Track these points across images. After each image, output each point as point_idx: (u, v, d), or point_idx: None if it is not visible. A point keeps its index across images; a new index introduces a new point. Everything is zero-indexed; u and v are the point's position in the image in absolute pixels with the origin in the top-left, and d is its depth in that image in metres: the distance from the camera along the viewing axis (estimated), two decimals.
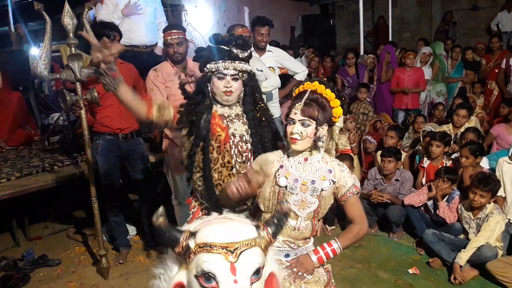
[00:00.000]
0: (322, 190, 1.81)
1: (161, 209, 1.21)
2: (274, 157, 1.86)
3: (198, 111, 2.02)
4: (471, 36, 9.76)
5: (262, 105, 2.15)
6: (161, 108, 2.03)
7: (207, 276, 1.14)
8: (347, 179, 1.84)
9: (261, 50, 4.15)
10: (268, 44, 4.22)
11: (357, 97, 5.63)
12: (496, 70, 6.11)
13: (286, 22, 9.88)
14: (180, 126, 2.05)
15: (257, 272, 1.18)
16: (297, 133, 1.73)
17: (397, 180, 4.03)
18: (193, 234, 1.20)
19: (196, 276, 1.16)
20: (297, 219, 1.84)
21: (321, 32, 9.73)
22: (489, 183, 3.30)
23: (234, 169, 2.06)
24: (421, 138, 4.65)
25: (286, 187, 1.80)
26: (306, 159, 1.82)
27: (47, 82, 6.47)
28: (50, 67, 4.92)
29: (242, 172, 2.00)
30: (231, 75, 2.00)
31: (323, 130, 1.77)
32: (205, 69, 2.03)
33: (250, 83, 2.08)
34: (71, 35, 3.05)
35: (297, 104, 1.75)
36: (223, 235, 1.18)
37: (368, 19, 10.32)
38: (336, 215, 4.02)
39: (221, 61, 1.98)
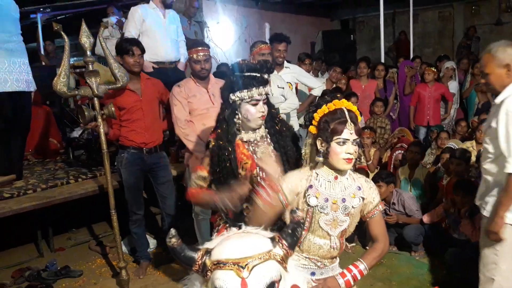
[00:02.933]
0: (352, 207, 1.81)
1: (172, 230, 1.23)
2: (302, 176, 1.83)
3: (223, 147, 2.03)
4: None
5: (280, 117, 2.19)
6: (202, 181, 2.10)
7: None
8: (374, 195, 1.84)
9: (278, 66, 4.21)
10: (285, 61, 4.29)
11: (373, 111, 5.60)
12: None
13: (307, 37, 9.98)
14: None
15: (271, 286, 1.17)
16: (353, 153, 1.73)
17: (393, 203, 3.97)
18: (208, 252, 1.22)
19: None
20: (330, 238, 1.83)
21: (342, 48, 9.76)
22: None
23: None
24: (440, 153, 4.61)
25: (316, 206, 1.79)
26: (336, 178, 1.80)
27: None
28: (76, 81, 5.12)
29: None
30: (263, 100, 2.02)
31: None
32: (234, 97, 2.02)
33: (269, 102, 2.10)
34: (88, 53, 3.18)
35: (347, 124, 1.72)
36: (235, 251, 1.18)
37: (389, 35, 10.30)
38: (355, 233, 3.97)
39: (254, 88, 1.99)
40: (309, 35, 10.08)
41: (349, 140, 1.72)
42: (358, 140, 1.74)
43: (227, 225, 2.13)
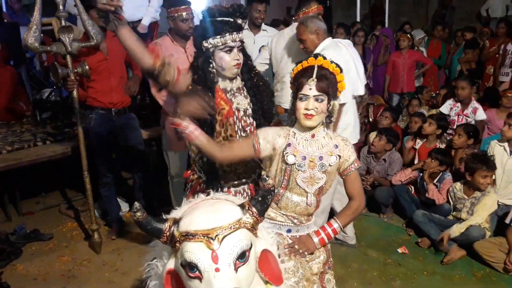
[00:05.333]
0: (329, 165, 1.82)
1: (136, 204, 1.20)
2: (281, 132, 1.83)
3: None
4: (468, 21, 9.68)
5: (256, 70, 2.14)
6: (166, 64, 1.94)
7: (191, 266, 1.13)
8: (350, 153, 1.86)
9: (257, 27, 4.11)
10: (263, 23, 4.19)
11: None
12: (497, 55, 6.08)
13: (282, 1, 9.76)
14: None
15: (242, 256, 1.16)
16: (313, 109, 1.71)
17: (384, 160, 4.09)
18: (176, 222, 1.19)
19: (182, 265, 1.16)
20: (307, 195, 1.85)
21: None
22: (488, 161, 3.35)
23: None
24: (409, 118, 4.74)
25: (294, 164, 1.80)
26: (313, 136, 1.81)
27: (38, 57, 6.38)
28: (41, 40, 4.87)
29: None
30: (237, 47, 1.96)
31: (333, 104, 1.78)
32: (207, 44, 1.95)
33: (244, 51, 2.04)
34: (61, 8, 3.02)
35: (309, 80, 1.71)
36: (204, 221, 1.16)
37: (365, 1, 10.21)
38: None
39: (227, 34, 1.92)
40: None
41: (309, 96, 1.72)
42: (320, 96, 1.72)
43: (201, 181, 2.11)
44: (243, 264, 1.16)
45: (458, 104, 4.38)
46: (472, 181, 3.37)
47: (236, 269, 1.14)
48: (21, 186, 4.16)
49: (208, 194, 1.38)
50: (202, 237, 1.12)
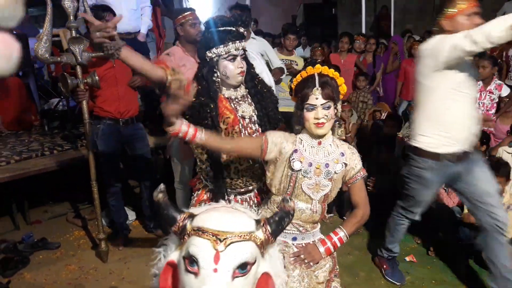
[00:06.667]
0: (335, 173, 1.83)
1: (162, 185, 1.22)
2: (288, 138, 1.84)
3: (205, 103, 1.98)
4: None
5: (259, 78, 2.16)
6: (176, 71, 1.90)
7: (191, 260, 1.13)
8: (356, 161, 1.87)
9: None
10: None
11: (355, 86, 5.63)
12: (499, 61, 6.05)
13: (288, 10, 9.86)
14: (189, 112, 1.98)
15: (243, 267, 1.14)
16: (323, 117, 1.73)
17: None
18: (192, 217, 1.21)
19: (184, 258, 1.16)
20: (312, 202, 1.86)
21: (323, 21, 9.70)
22: (499, 167, 3.28)
23: None
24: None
25: (300, 171, 1.81)
26: (319, 143, 1.82)
27: (46, 68, 6.45)
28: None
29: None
30: (240, 55, 1.99)
31: (339, 108, 1.80)
32: (210, 54, 1.97)
33: (247, 59, 2.07)
34: (71, 18, 3.05)
35: (314, 89, 1.73)
36: (217, 223, 1.17)
37: (371, 9, 10.26)
38: (334, 203, 4.04)
39: (230, 42, 1.95)
40: (290, 8, 9.96)
41: (316, 105, 1.73)
42: (328, 103, 1.73)
43: (207, 189, 2.12)
44: (241, 276, 1.14)
45: (480, 82, 4.24)
46: None
47: (233, 277, 1.13)
48: (29, 195, 4.20)
49: (230, 202, 1.38)
50: (211, 236, 1.13)
